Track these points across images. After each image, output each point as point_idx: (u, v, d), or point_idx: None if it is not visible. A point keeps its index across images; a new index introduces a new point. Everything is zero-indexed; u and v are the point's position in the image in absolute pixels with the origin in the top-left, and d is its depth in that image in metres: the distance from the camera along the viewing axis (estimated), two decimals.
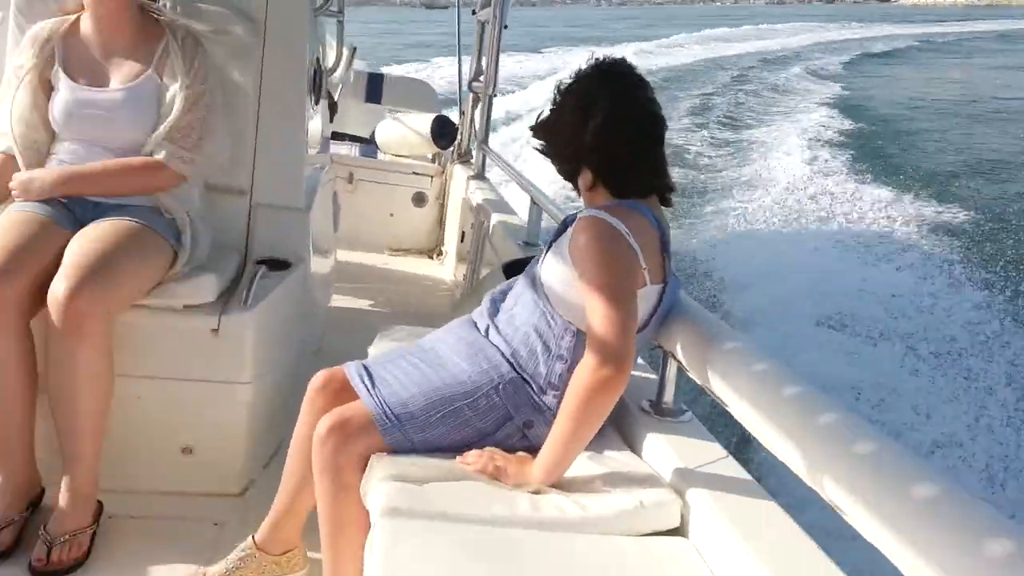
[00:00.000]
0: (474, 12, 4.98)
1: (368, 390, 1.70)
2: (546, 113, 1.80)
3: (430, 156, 5.30)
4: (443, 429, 1.67)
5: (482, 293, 2.55)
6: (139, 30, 2.28)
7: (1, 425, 1.97)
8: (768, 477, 1.79)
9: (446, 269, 4.78)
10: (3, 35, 2.46)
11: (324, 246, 3.24)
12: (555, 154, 1.80)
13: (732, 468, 1.63)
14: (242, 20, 2.54)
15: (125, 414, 2.09)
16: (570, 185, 1.84)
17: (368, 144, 5.52)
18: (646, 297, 1.66)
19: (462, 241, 4.42)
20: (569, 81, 1.77)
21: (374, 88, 5.63)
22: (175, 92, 2.24)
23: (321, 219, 3.15)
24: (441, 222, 5.12)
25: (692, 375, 1.65)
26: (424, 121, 5.10)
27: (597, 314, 1.55)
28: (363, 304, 4.03)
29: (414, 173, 5.13)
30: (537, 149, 1.84)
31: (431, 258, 4.95)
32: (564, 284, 1.68)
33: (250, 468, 2.33)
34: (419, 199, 5.12)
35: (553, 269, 1.71)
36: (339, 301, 3.78)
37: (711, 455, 1.68)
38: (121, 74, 2.25)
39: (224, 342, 2.17)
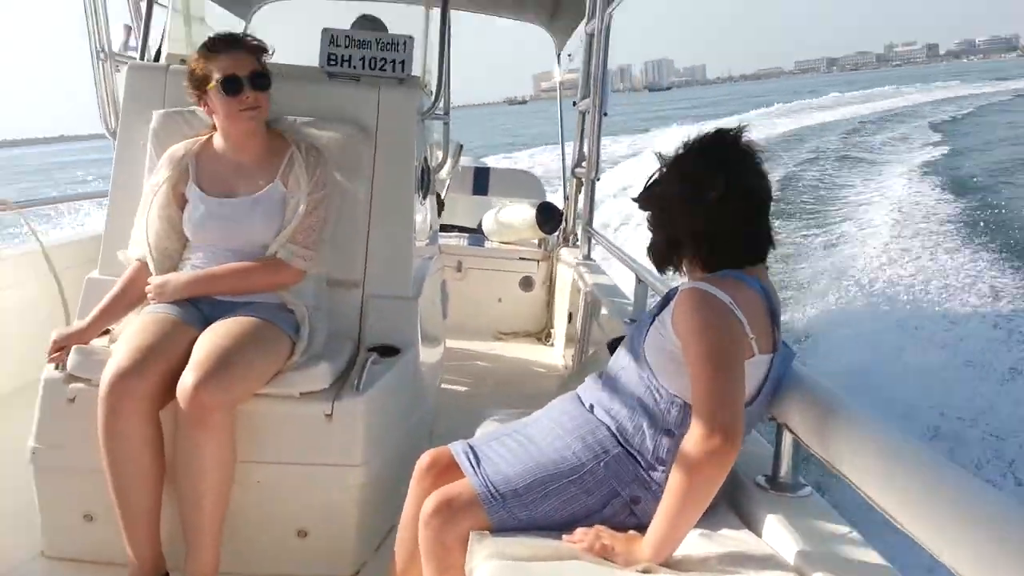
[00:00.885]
0: (575, 103, 5.13)
1: (473, 468, 1.70)
2: (651, 184, 1.78)
3: (536, 241, 5.39)
4: (548, 506, 1.64)
5: (589, 371, 2.54)
6: (267, 145, 2.49)
7: (131, 509, 2.09)
8: (894, 555, 1.66)
9: (555, 351, 4.79)
10: (142, 159, 2.71)
11: (433, 332, 3.33)
12: (660, 228, 1.77)
13: (858, 546, 1.52)
14: (356, 129, 2.75)
15: (244, 499, 2.17)
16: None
17: (476, 234, 5.68)
18: (755, 367, 1.61)
19: (570, 323, 4.43)
20: (678, 154, 1.74)
21: (481, 180, 5.83)
22: (299, 198, 2.42)
23: (430, 307, 3.25)
24: (549, 305, 5.15)
25: (810, 447, 1.57)
26: (529, 208, 5.22)
27: (702, 385, 1.51)
28: (473, 388, 4.07)
29: (521, 259, 5.23)
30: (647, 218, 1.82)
31: (540, 341, 4.97)
32: (668, 356, 1.65)
33: (362, 550, 2.36)
34: (527, 283, 5.19)
35: (657, 342, 1.68)
36: (450, 386, 3.84)
37: (834, 532, 1.57)
38: (250, 185, 2.45)
39: (337, 426, 2.24)
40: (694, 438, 1.48)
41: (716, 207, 1.65)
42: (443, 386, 3.67)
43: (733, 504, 1.73)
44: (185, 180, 2.45)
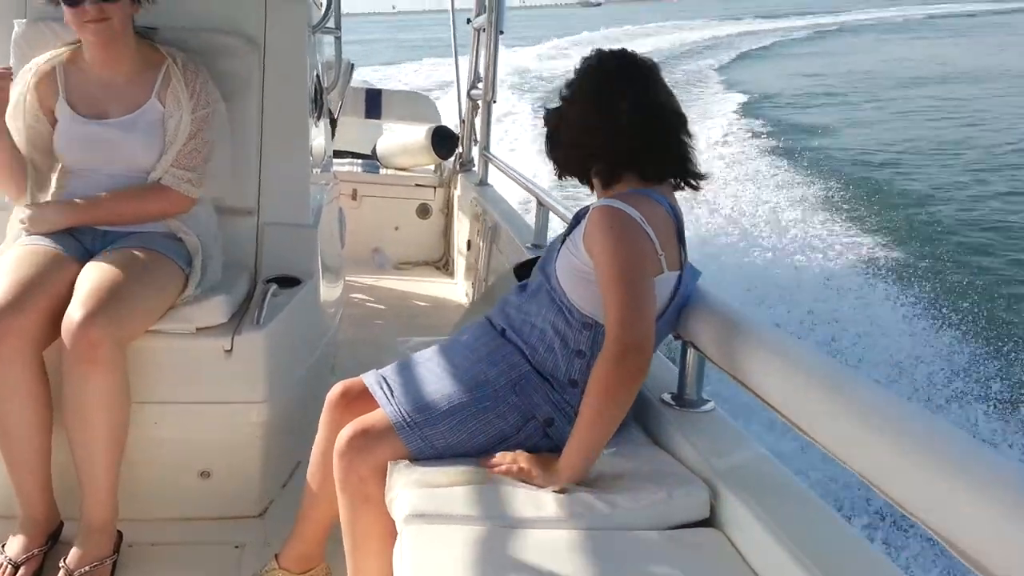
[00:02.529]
0: (469, 20, 4.98)
1: (387, 397, 1.68)
2: (555, 105, 1.77)
3: (432, 167, 5.29)
4: (464, 432, 1.65)
5: (493, 298, 2.53)
6: (138, 59, 2.28)
7: (17, 458, 1.96)
8: (795, 462, 1.77)
9: (455, 279, 4.77)
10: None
11: (333, 263, 3.24)
12: (569, 146, 1.77)
13: (760, 456, 1.60)
14: (241, 41, 2.55)
15: (142, 441, 2.08)
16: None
17: (370, 160, 5.52)
18: (663, 285, 1.64)
19: (469, 249, 4.41)
20: (580, 74, 1.74)
21: (373, 103, 5.63)
22: (179, 118, 2.25)
23: (329, 236, 3.15)
24: (447, 232, 5.11)
25: (718, 364, 1.62)
26: (424, 132, 5.10)
27: (614, 301, 1.53)
28: (374, 320, 4.02)
29: (417, 185, 5.13)
30: (548, 143, 1.81)
31: (439, 269, 4.94)
32: (580, 277, 1.66)
33: (269, 489, 2.32)
34: (423, 211, 5.11)
35: (569, 263, 1.69)
36: (350, 319, 3.77)
37: (738, 444, 1.65)
38: (124, 104, 2.25)
39: (237, 362, 2.16)
40: (607, 354, 1.51)
41: (626, 122, 1.65)
42: (344, 318, 3.60)
43: (641, 422, 1.78)
44: (54, 95, 2.24)
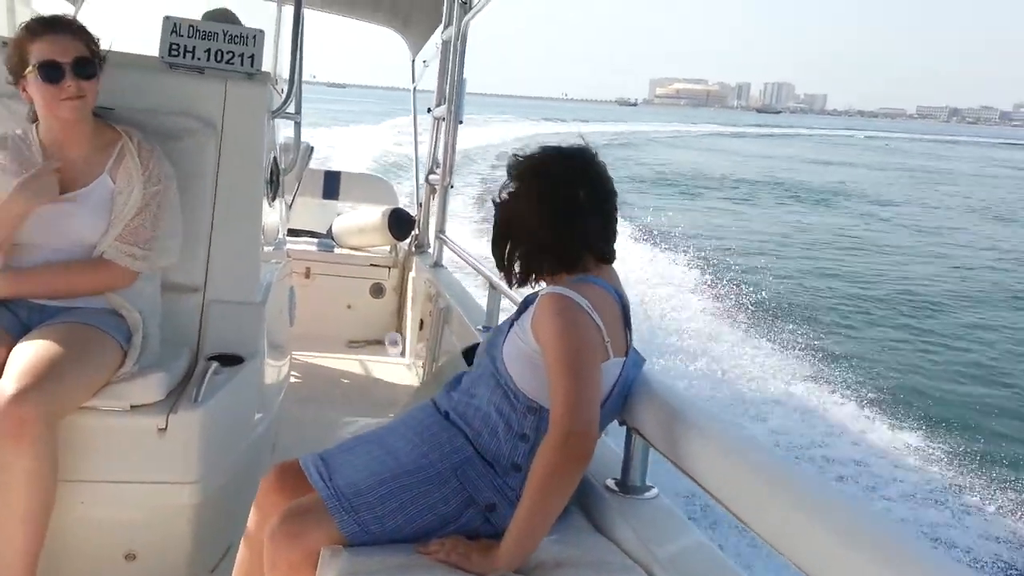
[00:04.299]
0: (429, 110, 5.11)
1: (323, 479, 1.64)
2: (511, 191, 1.77)
3: (388, 248, 5.32)
4: (403, 517, 1.61)
5: (442, 380, 2.52)
6: (94, 138, 2.28)
7: None
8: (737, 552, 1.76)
9: (406, 359, 4.73)
10: None
11: (278, 340, 3.19)
12: (519, 238, 1.76)
13: (701, 544, 1.59)
14: (199, 123, 2.59)
15: (67, 521, 1.99)
16: None
17: (325, 239, 5.53)
18: (608, 370, 1.65)
19: (421, 329, 4.39)
20: (540, 163, 1.76)
21: (331, 184, 5.69)
22: (129, 193, 2.24)
23: (276, 313, 3.12)
24: (400, 312, 5.09)
25: (661, 451, 1.62)
26: (380, 214, 5.14)
27: (560, 388, 1.53)
28: (322, 399, 3.94)
29: (371, 265, 5.14)
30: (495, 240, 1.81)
31: (386, 346, 4.90)
32: (527, 361, 1.66)
33: (196, 573, 2.22)
34: (377, 290, 5.10)
35: (516, 347, 1.69)
36: (296, 397, 3.70)
37: (680, 532, 1.64)
38: (75, 180, 2.23)
39: (171, 441, 2.09)
40: (551, 440, 1.50)
41: (578, 212, 1.68)
42: (288, 397, 3.53)
43: (583, 508, 1.76)
44: (4, 170, 2.20)
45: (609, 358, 1.64)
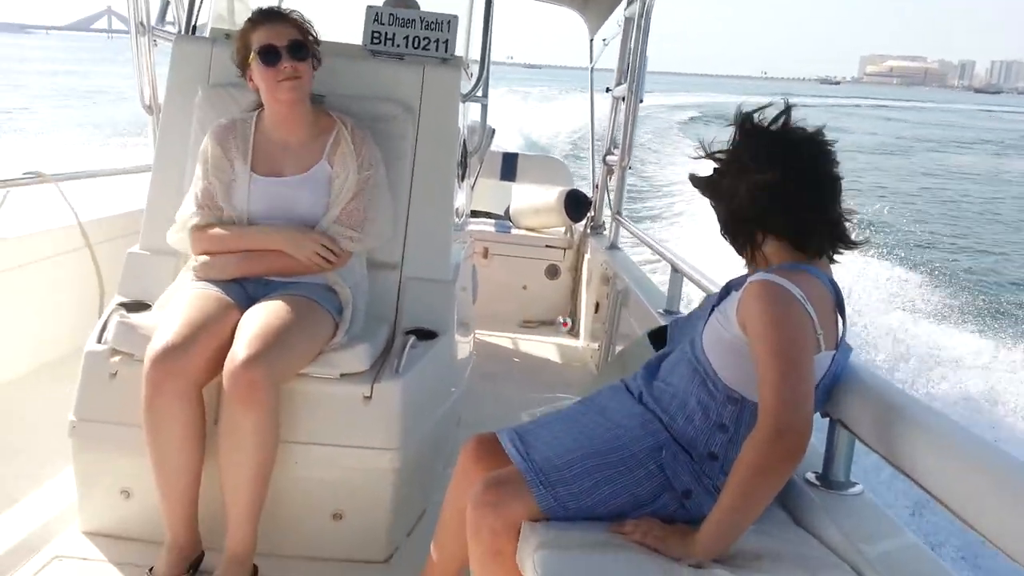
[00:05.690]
0: (608, 89, 5.08)
1: (522, 455, 1.69)
2: (710, 171, 1.74)
3: (563, 229, 5.37)
4: (598, 496, 1.63)
5: (625, 361, 2.52)
6: (313, 123, 2.47)
7: (170, 489, 2.09)
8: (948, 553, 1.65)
9: (580, 340, 4.77)
10: (187, 133, 2.70)
11: (465, 318, 3.32)
12: (725, 213, 1.74)
13: (912, 545, 1.50)
14: (399, 108, 2.73)
15: (282, 479, 2.17)
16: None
17: (502, 220, 5.66)
18: (819, 364, 1.58)
19: (597, 312, 4.41)
20: (737, 141, 1.70)
21: (509, 166, 5.80)
22: (345, 178, 2.41)
23: (463, 292, 3.24)
24: (575, 294, 5.13)
25: (871, 446, 1.54)
26: (557, 195, 5.19)
27: (773, 379, 1.48)
28: (500, 376, 4.06)
29: (547, 246, 5.21)
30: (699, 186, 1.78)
31: (557, 327, 4.96)
32: (729, 349, 1.62)
33: (395, 535, 2.36)
34: (552, 271, 5.17)
35: (717, 334, 1.66)
36: (476, 373, 3.83)
37: (887, 530, 1.56)
38: (297, 164, 2.43)
39: (375, 409, 2.23)
40: (762, 433, 1.45)
41: (791, 193, 1.62)
42: (472, 373, 3.66)
43: (782, 501, 1.71)
44: (235, 153, 2.42)
45: (820, 351, 1.57)
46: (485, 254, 5.12)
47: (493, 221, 5.59)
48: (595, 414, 1.79)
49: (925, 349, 7.25)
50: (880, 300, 8.67)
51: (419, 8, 3.36)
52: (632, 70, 4.44)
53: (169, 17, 4.24)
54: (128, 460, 2.19)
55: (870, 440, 1.55)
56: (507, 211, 5.72)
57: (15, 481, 2.50)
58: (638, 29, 4.36)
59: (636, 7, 4.36)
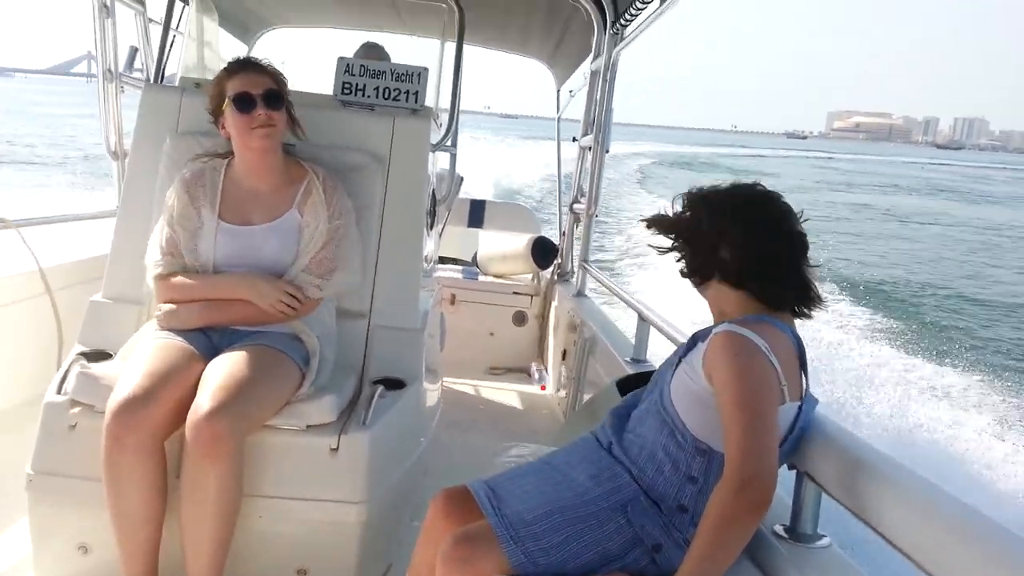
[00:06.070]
0: (574, 139, 5.16)
1: (494, 508, 1.68)
2: (673, 213, 1.78)
3: (530, 276, 5.40)
4: (568, 551, 1.62)
5: (593, 410, 2.52)
6: (283, 172, 2.48)
7: (131, 542, 2.03)
8: None
9: (548, 388, 4.76)
10: (152, 181, 2.67)
11: (433, 366, 3.30)
12: (688, 258, 1.77)
13: None
14: (370, 158, 2.75)
15: (246, 534, 2.12)
16: None
17: (470, 266, 5.68)
18: (783, 415, 1.60)
19: (564, 359, 4.42)
20: (705, 192, 1.76)
21: (476, 213, 5.84)
22: (315, 227, 2.41)
23: (430, 340, 3.23)
24: (542, 341, 5.14)
25: (838, 499, 1.56)
26: (524, 242, 5.23)
27: (737, 430, 1.50)
28: (467, 424, 4.03)
29: (514, 293, 5.23)
30: (654, 247, 1.82)
31: (531, 377, 4.95)
32: (696, 401, 1.64)
33: None
34: (520, 318, 5.18)
35: (684, 385, 1.67)
36: (443, 421, 3.80)
37: None
38: (266, 212, 2.43)
39: (342, 461, 2.20)
40: (728, 484, 1.46)
41: (746, 246, 1.66)
42: (439, 421, 3.63)
43: (751, 553, 1.71)
44: (202, 201, 2.42)
45: (785, 402, 1.59)
46: (452, 300, 5.12)
47: (460, 268, 5.60)
48: (564, 467, 1.78)
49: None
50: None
51: (389, 59, 3.41)
52: (598, 121, 4.53)
53: (137, 64, 4.25)
54: (87, 514, 2.12)
55: (836, 493, 1.57)
56: (474, 257, 5.74)
57: None
58: (604, 81, 4.46)
59: (601, 60, 4.47)
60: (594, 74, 4.76)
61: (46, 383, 2.29)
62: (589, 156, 4.70)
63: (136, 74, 4.22)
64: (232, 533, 2.04)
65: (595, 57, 4.65)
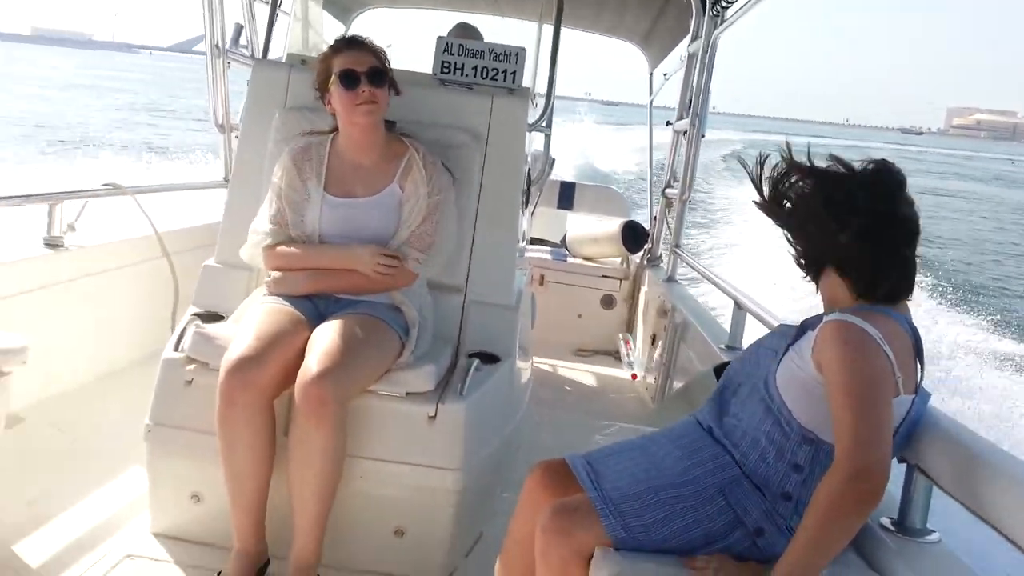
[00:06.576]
0: (668, 123, 5.10)
1: (593, 483, 1.69)
2: (793, 195, 1.72)
3: (619, 260, 5.37)
4: (668, 529, 1.62)
5: (690, 395, 2.51)
6: (385, 148, 2.53)
7: (240, 496, 2.14)
8: None
9: (636, 371, 4.74)
10: (262, 153, 2.78)
11: (525, 344, 3.33)
12: (801, 245, 1.74)
13: None
14: (468, 136, 2.80)
15: (346, 493, 2.20)
16: None
17: (558, 248, 5.69)
18: (897, 408, 1.55)
19: (652, 344, 4.39)
20: (827, 172, 1.69)
21: (566, 195, 5.84)
22: (415, 201, 2.47)
23: (523, 318, 3.26)
24: (630, 325, 5.11)
25: (952, 494, 1.51)
26: (614, 226, 5.20)
27: (850, 420, 1.45)
28: (555, 403, 4.06)
29: (603, 276, 5.21)
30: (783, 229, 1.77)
31: (618, 359, 4.93)
32: (804, 390, 1.60)
33: (454, 556, 2.37)
34: (608, 301, 5.17)
35: (792, 373, 1.64)
36: (533, 400, 3.84)
37: None
38: (368, 186, 2.49)
39: (440, 429, 2.26)
40: (838, 474, 1.42)
41: (864, 235, 1.61)
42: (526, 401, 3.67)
43: (857, 545, 1.68)
44: (310, 174, 2.49)
45: (899, 394, 1.54)
46: (541, 281, 5.15)
47: (549, 249, 5.62)
48: (665, 446, 1.77)
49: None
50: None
51: (482, 38, 3.44)
52: (694, 105, 4.46)
53: (242, 41, 4.40)
54: (199, 465, 2.25)
55: (949, 486, 1.52)
56: (563, 239, 5.74)
57: (90, 480, 2.59)
58: (701, 64, 4.38)
59: (700, 43, 4.39)
60: (691, 57, 4.68)
61: (162, 341, 2.42)
62: (683, 141, 4.64)
63: (242, 50, 4.37)
64: (335, 490, 2.12)
65: (693, 39, 4.57)
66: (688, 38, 4.67)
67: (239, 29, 4.37)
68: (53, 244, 3.18)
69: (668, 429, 1.86)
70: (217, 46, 4.20)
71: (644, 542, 1.62)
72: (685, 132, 4.61)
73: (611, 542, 1.61)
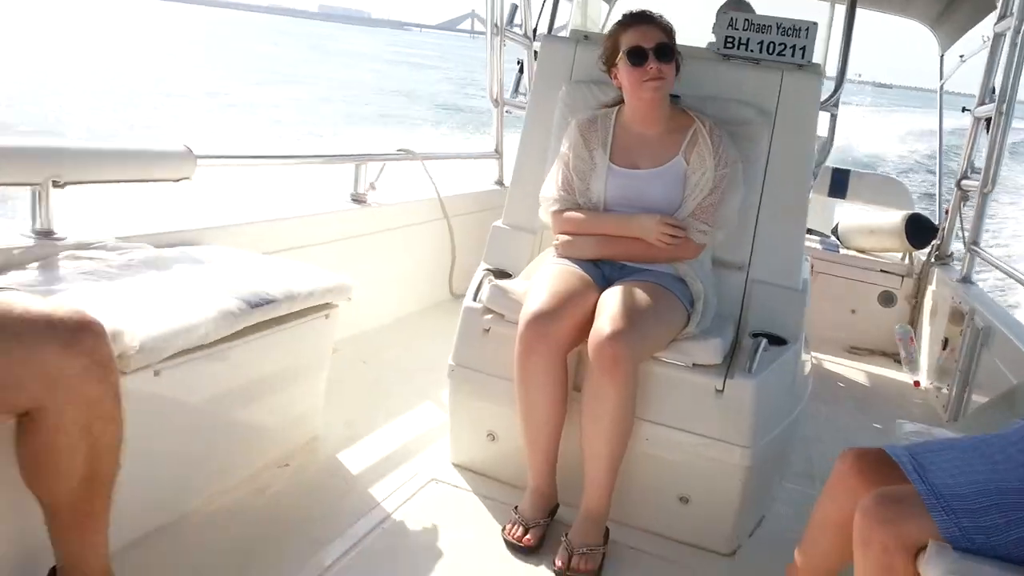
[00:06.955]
0: (964, 109, 4.60)
1: (920, 476, 1.54)
2: None
3: (900, 255, 4.93)
4: (1011, 537, 1.44)
5: (1014, 404, 2.23)
6: (670, 120, 2.52)
7: (535, 439, 2.24)
8: None
9: (921, 377, 4.33)
10: (549, 125, 2.88)
11: (808, 333, 3.17)
12: None
13: None
14: (755, 112, 2.71)
15: (633, 453, 2.22)
16: None
17: (827, 238, 5.34)
18: None
19: (944, 349, 3.97)
20: None
21: (839, 183, 5.47)
22: (702, 174, 2.43)
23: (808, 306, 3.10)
24: (913, 326, 4.67)
25: None
26: (897, 218, 4.78)
27: None
28: (831, 399, 3.83)
29: (881, 271, 4.81)
30: None
31: (897, 362, 4.53)
32: None
33: (739, 533, 2.32)
34: (887, 299, 4.77)
35: None
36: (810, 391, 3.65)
37: None
38: (653, 158, 2.49)
39: (726, 403, 2.21)
40: None
41: None
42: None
43: None
44: (596, 143, 2.53)
45: None
46: (811, 271, 4.86)
47: (819, 238, 5.29)
48: (1007, 449, 1.58)
49: None
50: None
51: (754, 12, 3.28)
52: (1002, 90, 3.98)
53: (516, 20, 4.57)
54: (494, 407, 2.41)
55: None
56: (834, 229, 5.38)
57: (391, 410, 2.91)
58: (1012, 45, 3.88)
59: (1010, 22, 3.89)
60: (997, 36, 4.19)
61: (441, 294, 2.60)
62: (989, 129, 4.15)
63: (516, 29, 4.55)
64: (625, 448, 2.15)
65: (1000, 18, 4.08)
66: (994, 16, 4.18)
67: (514, 8, 4.56)
68: (359, 200, 3.53)
69: (1002, 435, 1.66)
70: (496, 25, 4.40)
71: (980, 545, 1.45)
72: (988, 119, 4.12)
73: (940, 539, 1.46)
